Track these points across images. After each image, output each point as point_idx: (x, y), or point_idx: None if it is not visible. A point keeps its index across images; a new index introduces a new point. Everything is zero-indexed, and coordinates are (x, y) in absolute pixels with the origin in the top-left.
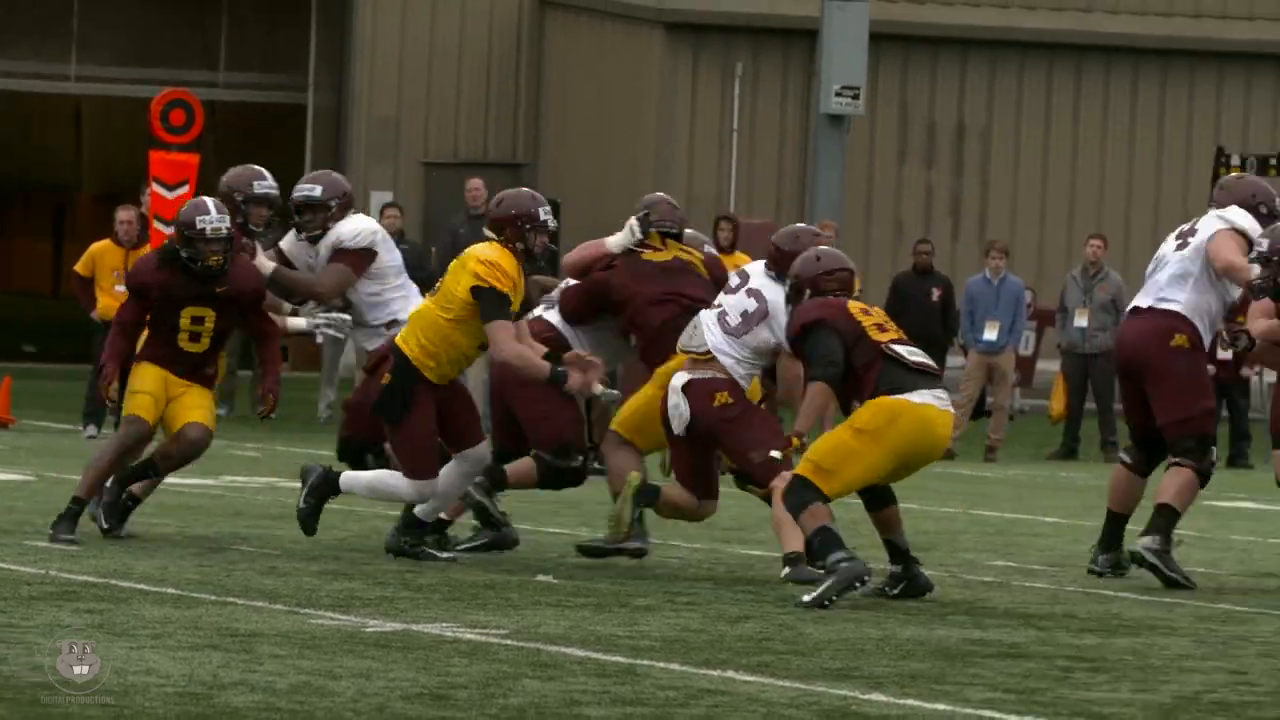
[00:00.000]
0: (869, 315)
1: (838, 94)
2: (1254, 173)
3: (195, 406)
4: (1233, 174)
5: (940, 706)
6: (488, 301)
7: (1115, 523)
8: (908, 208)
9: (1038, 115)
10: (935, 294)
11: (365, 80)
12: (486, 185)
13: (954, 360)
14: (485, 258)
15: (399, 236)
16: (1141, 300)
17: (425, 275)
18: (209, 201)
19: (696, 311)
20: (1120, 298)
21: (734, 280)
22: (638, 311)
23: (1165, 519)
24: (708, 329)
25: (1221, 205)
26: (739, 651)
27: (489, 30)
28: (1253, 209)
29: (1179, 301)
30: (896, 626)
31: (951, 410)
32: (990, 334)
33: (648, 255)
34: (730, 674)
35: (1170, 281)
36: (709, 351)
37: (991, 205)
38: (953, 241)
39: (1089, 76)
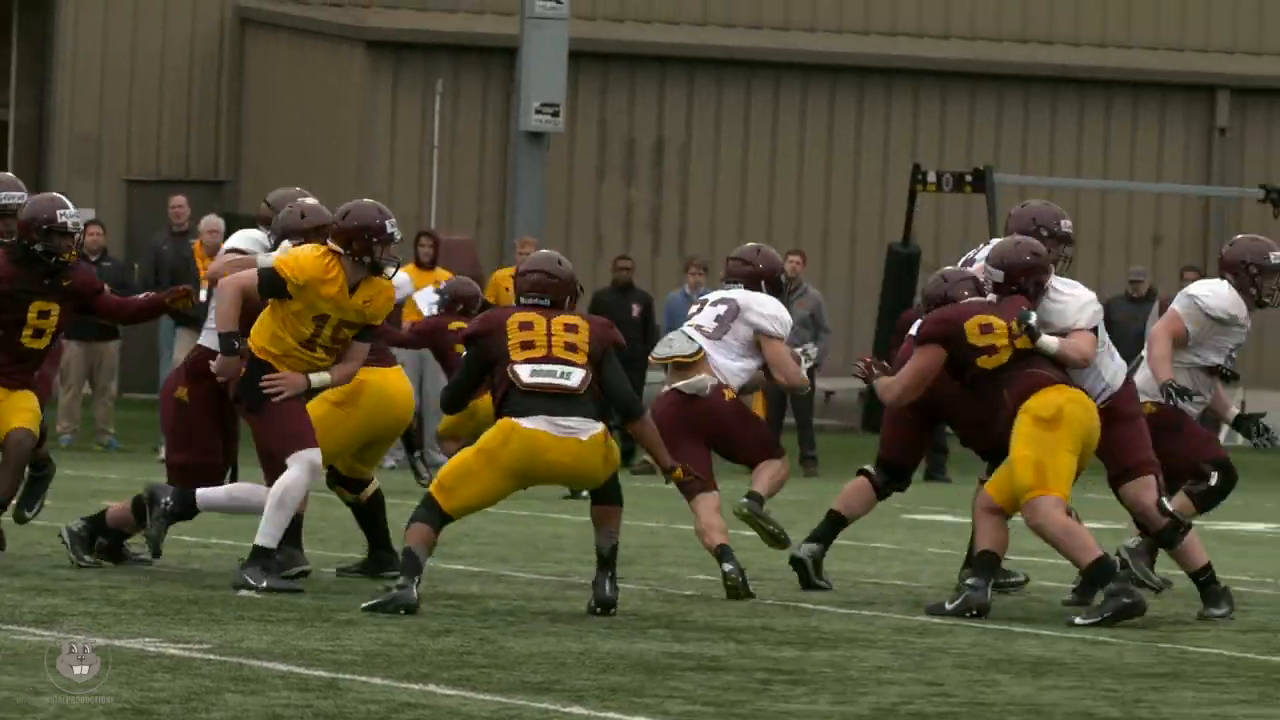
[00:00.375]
0: (527, 330)
1: (537, 111)
2: (949, 190)
3: (19, 410)
4: (1035, 202)
5: (640, 719)
6: (260, 276)
7: (834, 523)
8: (607, 224)
9: (736, 132)
10: (635, 310)
11: (67, 96)
12: (189, 202)
13: (655, 375)
14: (292, 250)
15: (102, 254)
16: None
17: (129, 293)
18: (62, 196)
19: None
20: (818, 313)
21: (693, 309)
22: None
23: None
24: (688, 339)
25: (1007, 234)
26: (440, 665)
27: (190, 47)
28: (1033, 233)
29: None
30: (598, 640)
31: (579, 435)
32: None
33: None
34: (432, 687)
35: None
36: (699, 351)
37: (691, 221)
38: (653, 257)
39: (787, 93)
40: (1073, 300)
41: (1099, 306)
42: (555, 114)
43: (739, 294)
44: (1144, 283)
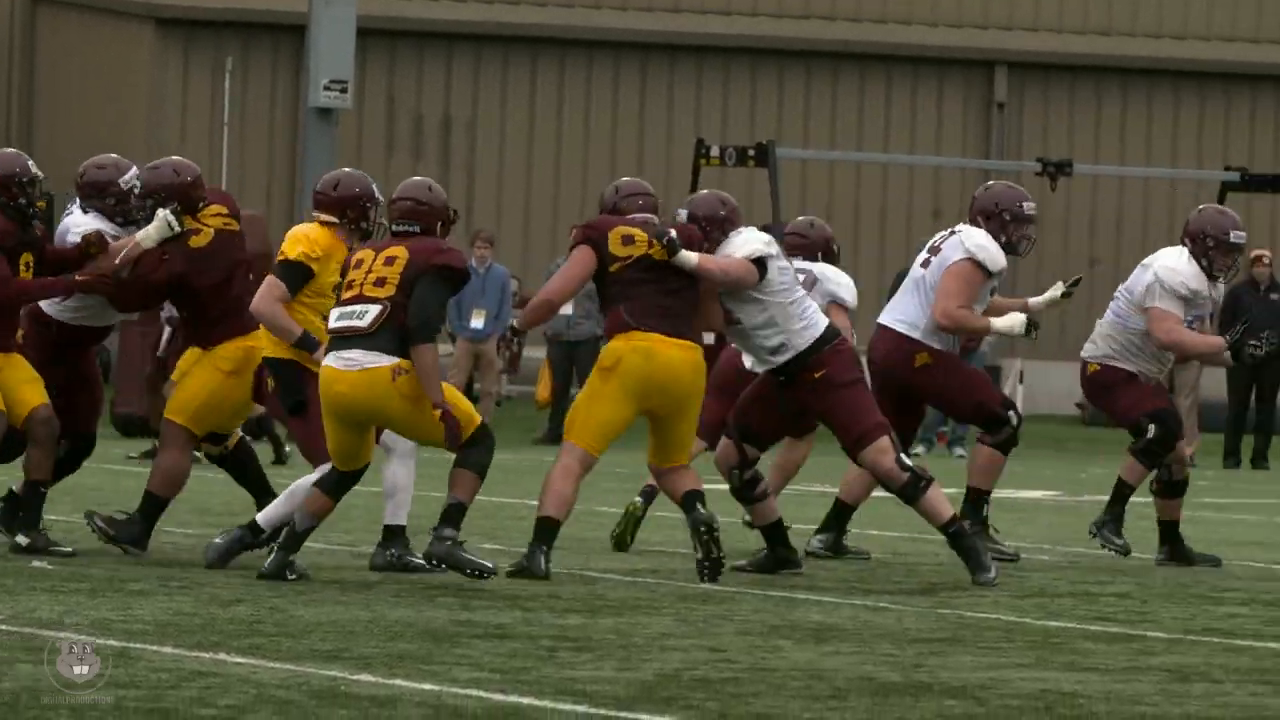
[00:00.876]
0: (356, 269)
1: (326, 88)
2: (733, 164)
3: (27, 382)
4: (999, 183)
5: (427, 686)
6: (278, 265)
7: (843, 511)
8: None
9: (522, 108)
10: None
11: None
12: None
13: (442, 348)
14: (292, 235)
15: None
16: (886, 314)
17: None
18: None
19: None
20: None
21: None
22: (209, 299)
23: (973, 502)
24: None
25: (971, 217)
26: (231, 634)
27: None
28: (995, 216)
29: (915, 323)
30: (386, 608)
31: (355, 368)
32: (477, 322)
33: (194, 241)
34: (222, 656)
35: (910, 298)
36: None
37: (478, 196)
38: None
39: (572, 70)
40: (740, 236)
41: (770, 250)
42: (344, 91)
43: (815, 265)
44: None
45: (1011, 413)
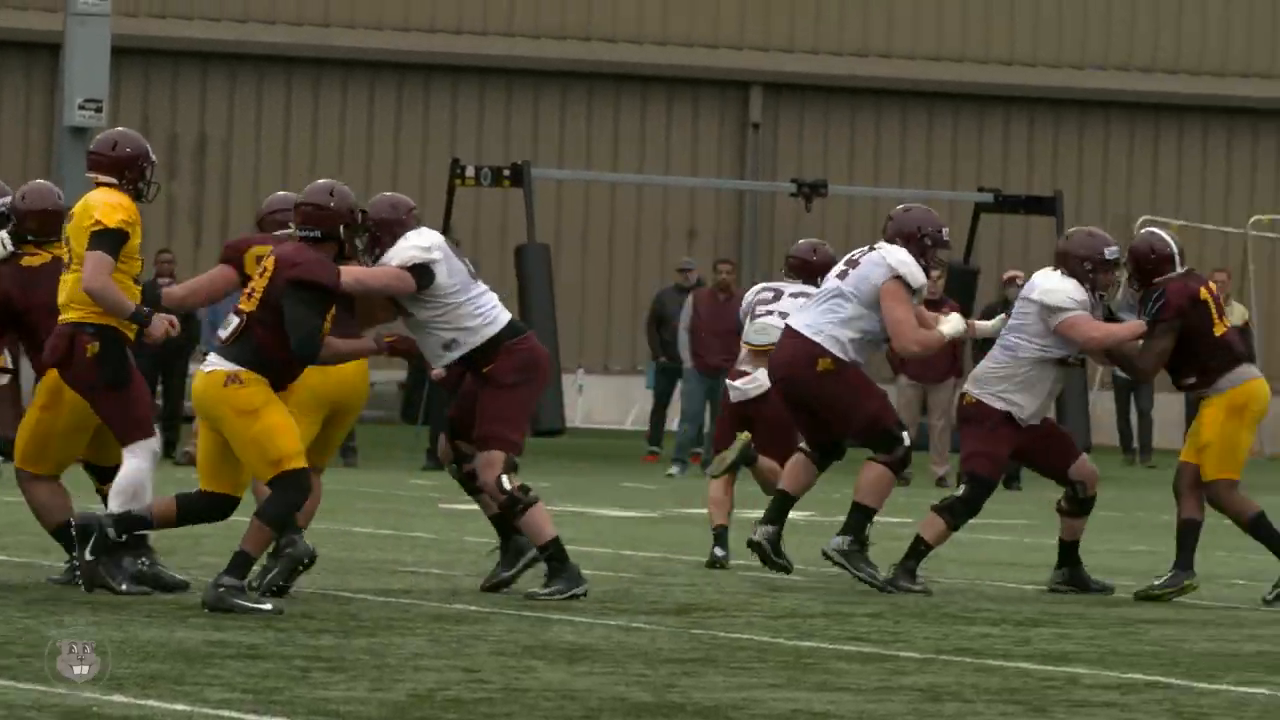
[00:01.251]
0: (259, 278)
1: (80, 107)
2: (488, 184)
3: None
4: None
5: (180, 707)
6: (98, 236)
7: (783, 501)
8: (150, 217)
9: (277, 127)
10: None
11: None
12: None
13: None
14: (102, 202)
15: None
16: (795, 319)
17: None
18: None
19: None
20: None
21: (766, 294)
22: (36, 322)
23: (859, 517)
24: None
25: (889, 237)
26: None
27: None
28: (916, 240)
29: (823, 329)
30: (138, 629)
31: (204, 369)
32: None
33: (26, 261)
34: None
35: (821, 306)
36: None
37: (233, 214)
38: (195, 249)
39: (327, 89)
40: (405, 241)
41: (432, 256)
42: (98, 110)
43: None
44: (693, 272)
45: (905, 434)
